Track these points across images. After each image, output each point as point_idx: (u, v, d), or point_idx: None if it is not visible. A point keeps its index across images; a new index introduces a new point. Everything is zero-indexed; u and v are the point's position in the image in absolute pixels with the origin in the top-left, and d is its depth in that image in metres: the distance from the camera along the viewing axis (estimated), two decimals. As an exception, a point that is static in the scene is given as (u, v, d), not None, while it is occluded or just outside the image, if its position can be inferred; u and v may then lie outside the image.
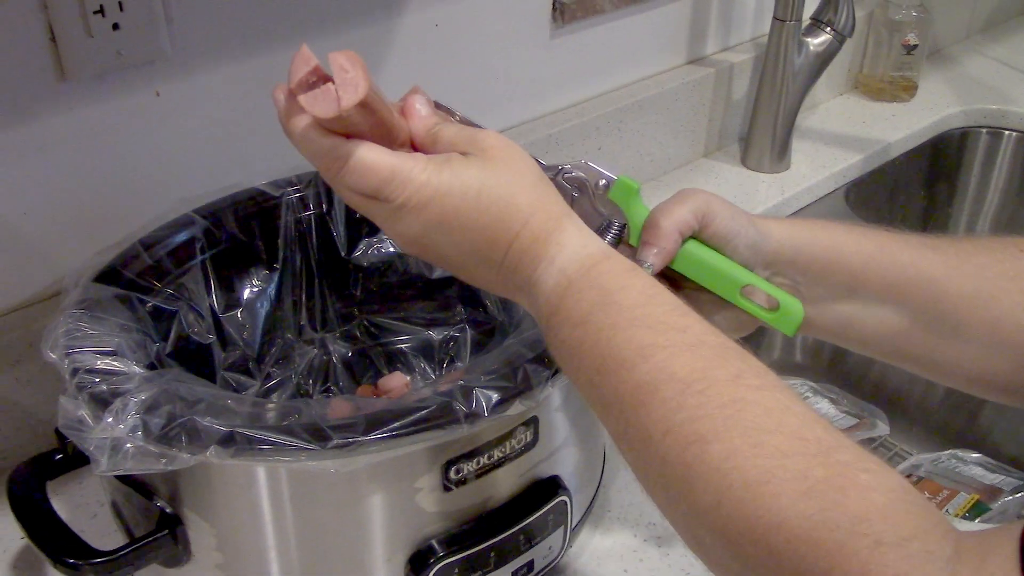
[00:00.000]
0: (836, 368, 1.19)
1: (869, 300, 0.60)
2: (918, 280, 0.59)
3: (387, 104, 0.52)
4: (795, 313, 0.58)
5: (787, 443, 0.41)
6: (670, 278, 0.60)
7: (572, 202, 0.58)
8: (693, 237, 0.59)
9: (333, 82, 0.48)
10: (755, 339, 1.21)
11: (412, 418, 0.54)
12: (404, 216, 0.51)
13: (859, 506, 0.38)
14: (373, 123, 0.50)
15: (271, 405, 0.56)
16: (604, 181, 0.59)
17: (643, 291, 0.49)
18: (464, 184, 0.50)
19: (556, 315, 0.50)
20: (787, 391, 0.44)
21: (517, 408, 0.57)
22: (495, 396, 0.55)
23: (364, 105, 0.48)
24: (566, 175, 0.59)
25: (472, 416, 0.55)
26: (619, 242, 0.58)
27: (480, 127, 0.55)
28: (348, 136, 0.50)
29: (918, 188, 1.40)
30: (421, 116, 0.55)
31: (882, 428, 1.12)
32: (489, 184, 0.51)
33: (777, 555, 0.39)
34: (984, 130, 1.41)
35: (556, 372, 0.58)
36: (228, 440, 0.52)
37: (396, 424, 0.53)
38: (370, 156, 0.50)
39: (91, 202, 0.78)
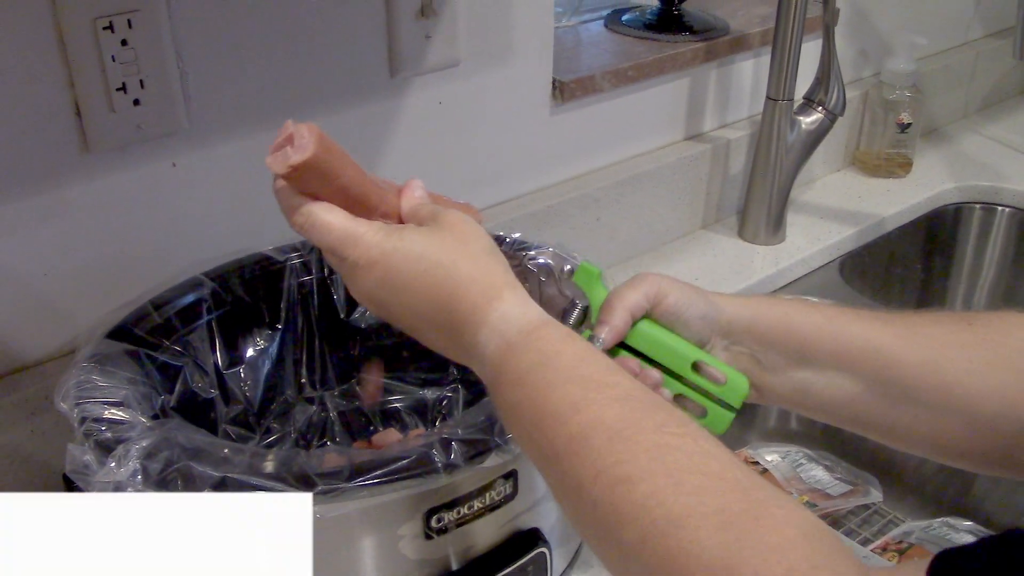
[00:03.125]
0: (831, 436, 1.21)
1: (821, 367, 0.63)
2: (867, 349, 0.62)
3: (367, 177, 0.59)
4: (741, 387, 0.62)
5: (707, 482, 0.45)
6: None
7: (540, 285, 0.63)
8: (648, 317, 0.63)
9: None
10: (751, 408, 1.23)
11: (393, 467, 0.57)
12: (357, 274, 0.57)
13: (773, 537, 0.42)
14: (337, 190, 0.58)
15: (262, 454, 0.60)
16: (569, 266, 0.64)
17: (576, 354, 0.53)
18: (408, 248, 0.56)
19: (499, 376, 0.54)
20: (709, 439, 0.48)
21: (493, 460, 0.60)
22: (472, 448, 0.59)
23: (317, 169, 0.56)
24: (531, 261, 0.64)
25: (450, 466, 0.58)
26: (582, 322, 0.63)
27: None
28: (317, 199, 0.57)
29: (914, 262, 1.44)
30: (412, 196, 0.62)
31: (875, 495, 1.14)
32: (431, 250, 0.56)
33: None
34: (978, 206, 1.44)
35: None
36: (220, 485, 0.56)
37: (378, 472, 0.57)
38: (327, 216, 0.57)
39: (108, 265, 0.83)
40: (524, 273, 0.63)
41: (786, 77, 1.18)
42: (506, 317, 0.54)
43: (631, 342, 0.62)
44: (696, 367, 0.62)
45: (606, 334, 0.61)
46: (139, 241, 0.84)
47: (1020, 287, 1.44)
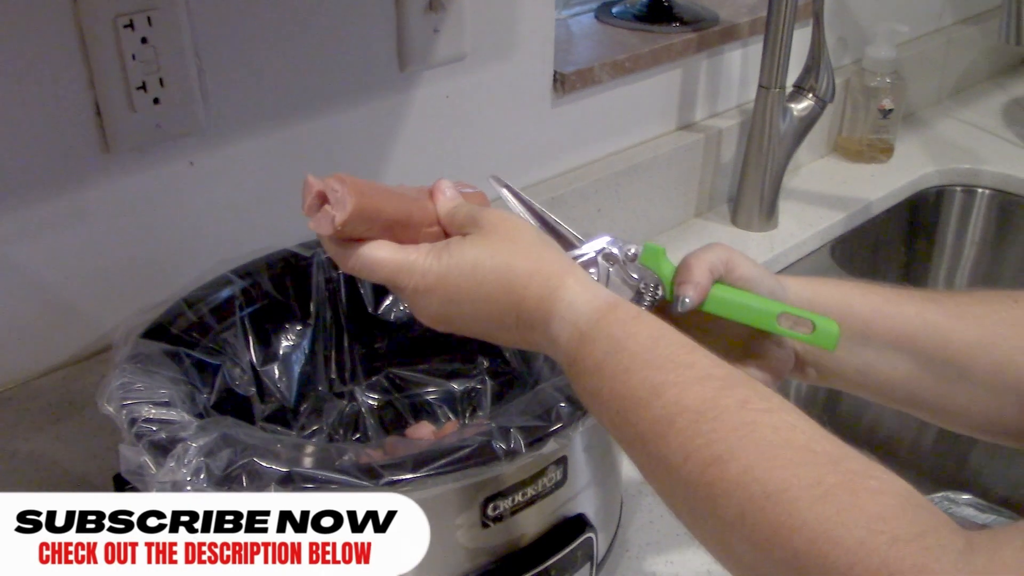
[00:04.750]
0: (829, 416, 1.24)
1: (881, 348, 0.64)
2: (924, 328, 0.63)
3: (404, 198, 0.60)
4: (831, 329, 0.61)
5: (799, 455, 0.45)
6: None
7: (608, 275, 0.63)
8: (719, 282, 0.63)
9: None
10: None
11: (455, 456, 0.58)
12: (419, 299, 0.59)
13: (873, 507, 0.42)
14: (382, 224, 0.58)
15: (326, 448, 0.60)
16: (632, 250, 0.65)
17: (650, 335, 0.53)
18: (460, 263, 0.57)
19: (574, 365, 0.54)
20: (793, 412, 0.48)
21: (551, 446, 0.61)
22: (530, 435, 0.60)
23: (362, 216, 0.57)
24: (591, 250, 0.65)
25: (510, 454, 0.59)
26: (657, 301, 0.63)
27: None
28: (362, 240, 0.58)
29: (898, 244, 1.47)
30: (444, 199, 0.62)
31: (876, 473, 1.16)
32: (482, 258, 0.57)
33: (802, 556, 0.42)
34: (959, 188, 1.48)
35: (585, 412, 0.62)
36: (287, 480, 0.56)
37: (442, 462, 0.57)
38: (376, 254, 0.58)
39: (128, 266, 0.82)
40: (589, 263, 0.63)
41: (778, 65, 1.20)
42: (573, 305, 0.55)
43: (707, 308, 0.62)
44: (780, 323, 0.62)
45: (692, 292, 0.61)
46: (159, 242, 0.83)
47: (1000, 267, 1.48)
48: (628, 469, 0.81)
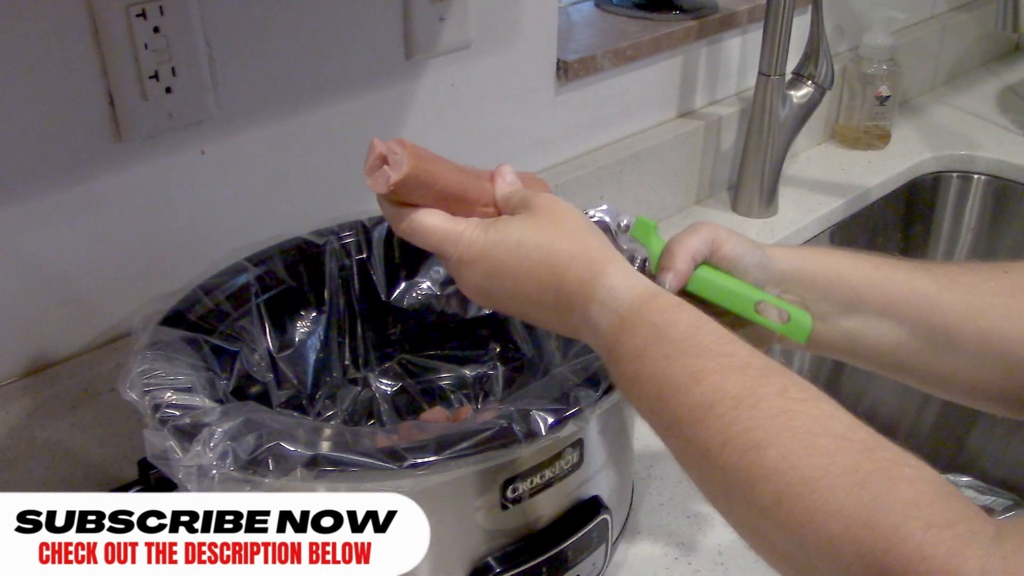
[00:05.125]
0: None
1: (869, 315, 0.65)
2: (912, 296, 0.64)
3: (463, 173, 0.62)
4: (805, 323, 0.63)
5: (835, 444, 0.46)
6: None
7: None
8: (706, 263, 0.64)
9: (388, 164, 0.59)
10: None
11: (477, 439, 0.59)
12: (463, 269, 0.60)
13: (909, 494, 0.43)
14: (436, 193, 0.60)
15: (344, 431, 0.61)
16: (625, 221, 0.66)
17: (690, 324, 0.54)
18: (506, 238, 0.59)
19: (614, 351, 0.55)
20: (830, 402, 0.49)
21: (569, 429, 0.62)
22: (550, 418, 0.61)
23: (416, 180, 0.58)
24: (592, 220, 0.66)
25: (530, 436, 0.60)
26: (644, 274, 0.64)
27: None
28: (416, 205, 0.60)
29: (896, 230, 1.48)
30: (503, 183, 0.64)
31: (876, 456, 1.18)
32: (527, 235, 0.59)
33: (837, 541, 0.43)
34: (954, 174, 1.49)
35: (602, 395, 0.63)
36: (312, 463, 0.57)
37: (463, 445, 0.58)
38: (425, 221, 0.60)
39: (141, 255, 0.82)
40: None
41: (778, 53, 1.21)
42: (615, 292, 0.56)
43: (691, 288, 0.63)
44: (757, 310, 0.63)
45: (670, 279, 0.62)
46: (171, 229, 0.84)
47: (996, 253, 1.49)
48: (639, 453, 0.82)
